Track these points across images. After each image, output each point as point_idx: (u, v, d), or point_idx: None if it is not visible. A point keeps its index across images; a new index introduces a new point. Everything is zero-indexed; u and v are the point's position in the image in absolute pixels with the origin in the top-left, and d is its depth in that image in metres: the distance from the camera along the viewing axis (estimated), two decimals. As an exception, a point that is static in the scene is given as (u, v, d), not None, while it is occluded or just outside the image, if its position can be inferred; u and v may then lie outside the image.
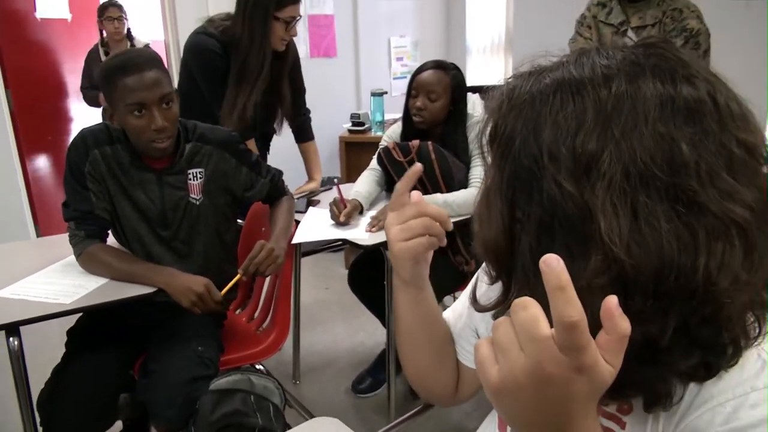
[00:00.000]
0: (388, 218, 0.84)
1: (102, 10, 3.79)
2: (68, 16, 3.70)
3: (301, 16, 2.47)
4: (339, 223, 2.24)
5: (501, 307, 0.69)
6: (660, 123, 0.56)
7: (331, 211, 2.26)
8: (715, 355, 0.58)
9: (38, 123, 3.61)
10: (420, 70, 2.39)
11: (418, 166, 0.87)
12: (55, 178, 3.60)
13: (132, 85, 1.64)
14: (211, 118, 2.12)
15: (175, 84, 2.49)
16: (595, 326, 0.52)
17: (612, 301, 0.49)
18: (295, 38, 2.57)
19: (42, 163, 3.60)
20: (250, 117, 2.48)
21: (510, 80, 0.66)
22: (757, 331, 0.58)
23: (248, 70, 2.44)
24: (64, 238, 2.06)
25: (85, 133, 1.79)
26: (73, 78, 3.67)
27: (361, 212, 2.34)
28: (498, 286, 0.70)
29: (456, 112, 2.37)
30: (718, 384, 0.58)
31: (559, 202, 0.58)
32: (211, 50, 2.43)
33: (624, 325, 0.50)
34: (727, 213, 0.55)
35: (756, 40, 3.59)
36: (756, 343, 0.58)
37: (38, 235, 3.55)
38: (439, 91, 2.32)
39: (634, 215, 0.55)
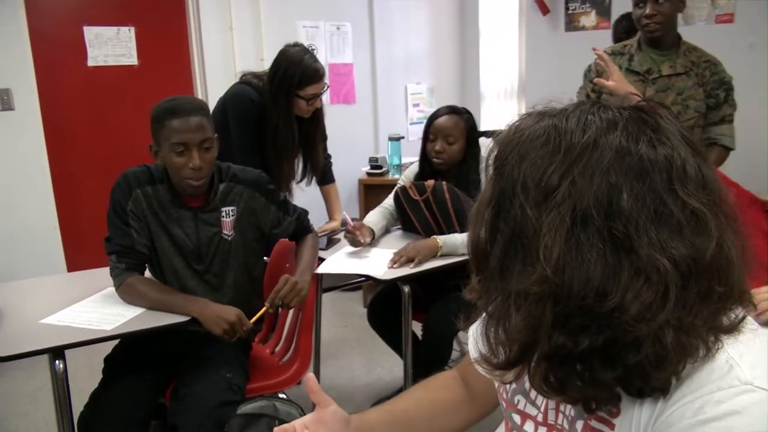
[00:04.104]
0: None
1: None
2: (135, 61, 3.88)
3: (325, 90, 2.63)
4: (355, 243, 2.42)
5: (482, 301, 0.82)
6: (612, 173, 0.68)
7: (347, 237, 2.44)
8: (636, 375, 0.69)
9: (78, 167, 3.80)
10: (435, 115, 2.55)
11: None
12: (84, 218, 3.76)
13: (178, 127, 1.82)
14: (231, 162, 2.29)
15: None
16: (525, 329, 0.70)
17: None
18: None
19: (75, 204, 3.77)
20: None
21: (520, 117, 0.79)
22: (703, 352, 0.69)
23: (281, 142, 2.63)
24: (95, 272, 2.24)
25: (128, 175, 1.95)
26: (126, 121, 3.82)
27: (373, 238, 2.53)
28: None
29: (470, 153, 2.51)
30: (690, 386, 0.69)
31: (521, 223, 0.71)
32: (248, 97, 2.63)
33: None
34: (652, 260, 0.66)
35: (760, 80, 3.72)
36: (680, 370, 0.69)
37: (67, 270, 3.70)
38: (456, 134, 2.48)
39: (570, 243, 0.67)
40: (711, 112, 2.55)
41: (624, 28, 3.56)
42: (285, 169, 2.68)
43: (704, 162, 0.72)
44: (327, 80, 2.66)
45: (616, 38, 3.56)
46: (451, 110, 2.55)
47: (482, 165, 2.50)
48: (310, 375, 1.00)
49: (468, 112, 2.57)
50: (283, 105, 2.57)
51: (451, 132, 2.48)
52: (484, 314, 0.80)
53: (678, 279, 0.67)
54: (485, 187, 0.80)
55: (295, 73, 2.53)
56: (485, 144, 2.60)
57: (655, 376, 0.68)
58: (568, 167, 0.69)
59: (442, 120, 2.51)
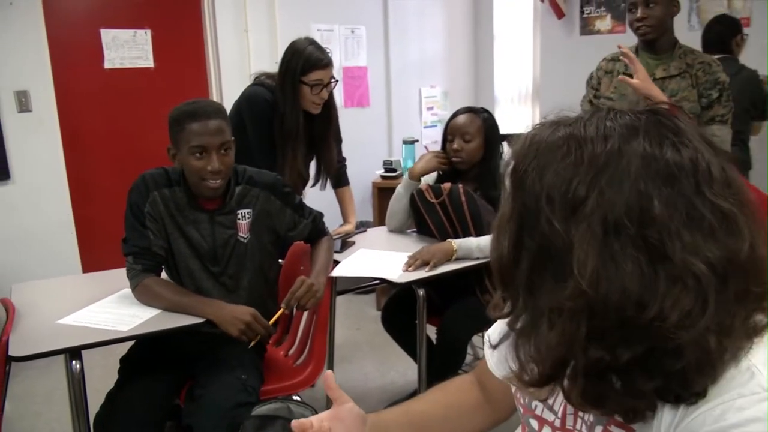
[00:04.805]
0: None
1: None
2: (151, 64, 3.89)
3: (332, 81, 2.66)
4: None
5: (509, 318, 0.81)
6: (641, 180, 0.67)
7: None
8: (676, 382, 0.68)
9: (93, 169, 3.82)
10: (453, 116, 2.57)
11: None
12: (99, 219, 3.79)
13: (198, 130, 1.84)
14: (248, 163, 2.30)
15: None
16: (559, 345, 0.68)
17: None
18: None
19: (90, 205, 3.80)
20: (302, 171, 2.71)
21: (534, 127, 0.78)
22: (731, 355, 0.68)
23: (286, 130, 2.65)
24: (111, 273, 2.25)
25: (146, 177, 1.96)
26: (142, 123, 3.84)
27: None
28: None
29: (490, 153, 2.52)
30: (712, 391, 0.68)
31: (549, 237, 0.70)
32: (262, 98, 2.66)
33: None
34: (688, 265, 0.65)
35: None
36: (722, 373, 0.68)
37: (82, 270, 3.73)
38: (473, 132, 2.48)
39: (604, 255, 0.66)
40: (703, 112, 2.55)
41: (717, 34, 3.49)
42: (288, 158, 2.66)
43: (726, 162, 0.72)
44: (338, 75, 2.67)
45: (707, 45, 3.50)
46: (468, 110, 2.57)
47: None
48: (328, 372, 1.00)
49: (486, 112, 2.58)
50: (290, 92, 2.60)
51: (468, 130, 2.49)
52: (512, 331, 0.79)
53: (715, 282, 0.66)
54: (504, 202, 0.78)
55: (300, 59, 2.59)
56: (502, 147, 2.60)
57: (697, 380, 0.67)
58: (594, 177, 0.68)
59: (459, 119, 2.53)
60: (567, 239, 0.68)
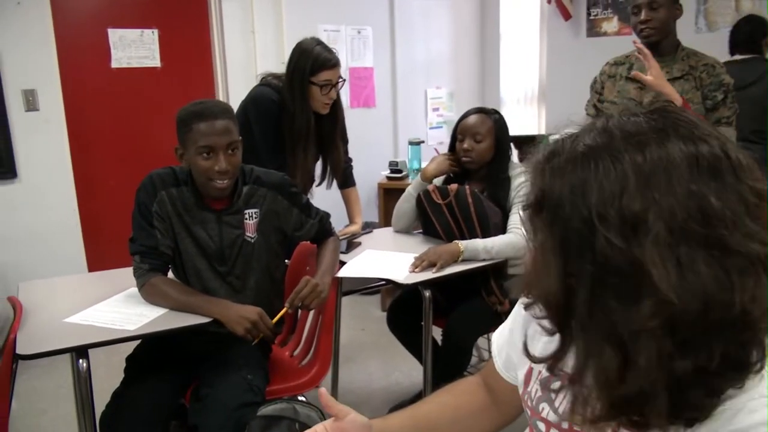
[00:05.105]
0: None
1: None
2: (158, 64, 3.91)
3: (340, 81, 2.67)
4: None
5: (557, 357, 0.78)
6: (691, 182, 0.66)
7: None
8: (756, 371, 0.67)
9: (99, 168, 3.83)
10: (464, 116, 2.58)
11: None
12: (105, 218, 3.80)
13: (205, 131, 1.84)
14: (255, 163, 2.31)
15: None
16: (648, 369, 0.65)
17: None
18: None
19: (97, 204, 3.82)
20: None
21: (548, 147, 0.76)
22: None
23: (296, 131, 2.65)
24: (118, 272, 2.26)
25: (153, 176, 1.97)
26: (148, 122, 3.86)
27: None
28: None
29: (500, 154, 2.52)
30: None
31: (610, 257, 0.66)
32: (269, 99, 2.66)
33: None
34: (752, 252, 0.65)
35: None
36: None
37: (87, 269, 3.74)
38: (484, 132, 2.49)
39: (678, 264, 0.64)
40: (708, 114, 2.54)
41: (746, 34, 3.47)
42: (299, 159, 2.67)
43: (741, 149, 0.71)
44: (345, 76, 2.68)
45: (736, 45, 3.50)
46: (479, 110, 2.58)
47: (514, 183, 2.46)
48: (321, 390, 1.00)
49: (497, 113, 2.58)
50: (298, 93, 2.61)
51: (479, 130, 2.49)
52: (561, 369, 0.78)
53: None
54: (537, 235, 0.76)
55: (308, 60, 2.59)
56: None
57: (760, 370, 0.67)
58: (645, 189, 0.66)
59: (470, 119, 2.53)
60: (631, 256, 0.66)
